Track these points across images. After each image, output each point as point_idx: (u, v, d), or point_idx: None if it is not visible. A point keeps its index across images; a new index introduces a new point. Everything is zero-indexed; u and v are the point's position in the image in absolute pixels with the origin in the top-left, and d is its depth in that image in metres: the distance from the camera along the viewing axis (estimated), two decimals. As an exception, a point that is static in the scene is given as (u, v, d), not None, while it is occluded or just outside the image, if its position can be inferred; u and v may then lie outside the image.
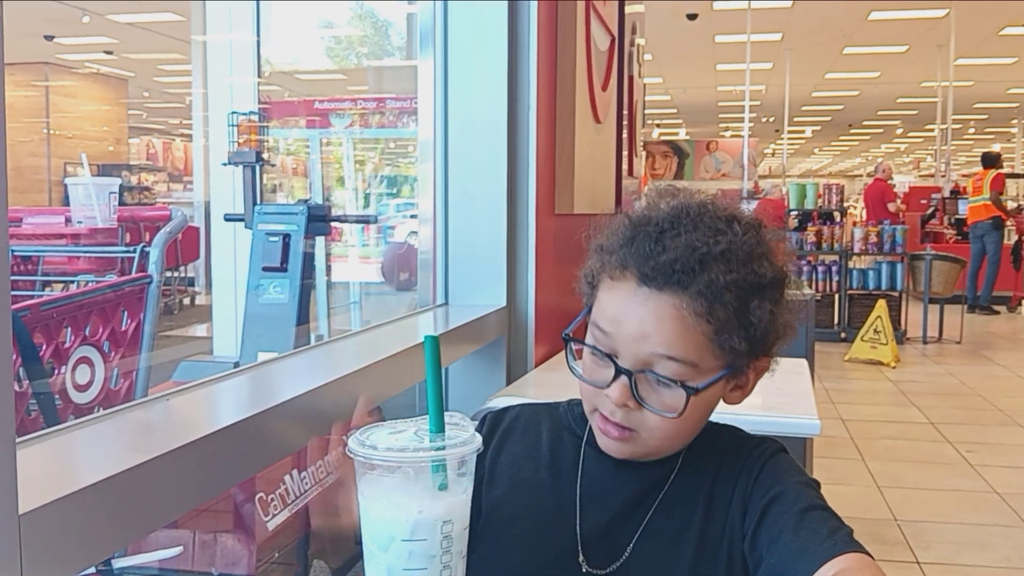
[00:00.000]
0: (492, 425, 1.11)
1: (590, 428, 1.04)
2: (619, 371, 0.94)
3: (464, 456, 0.80)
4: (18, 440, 0.96)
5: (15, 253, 2.93)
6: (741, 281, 0.93)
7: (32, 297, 2.33)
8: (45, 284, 3.07)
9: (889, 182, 12.33)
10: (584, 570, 0.99)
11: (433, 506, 0.78)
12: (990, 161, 11.12)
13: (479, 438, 0.83)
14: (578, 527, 1.00)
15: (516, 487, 1.05)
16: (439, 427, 0.82)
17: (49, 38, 13.99)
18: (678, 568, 0.97)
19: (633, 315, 0.94)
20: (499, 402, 1.68)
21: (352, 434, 0.82)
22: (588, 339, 0.99)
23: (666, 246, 0.93)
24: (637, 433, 0.96)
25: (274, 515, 2.26)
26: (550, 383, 2.20)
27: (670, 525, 0.99)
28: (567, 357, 1.02)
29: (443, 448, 0.80)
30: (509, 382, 2.32)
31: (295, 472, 2.39)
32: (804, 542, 0.88)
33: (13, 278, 3.00)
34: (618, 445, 0.98)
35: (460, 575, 0.82)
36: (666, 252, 0.92)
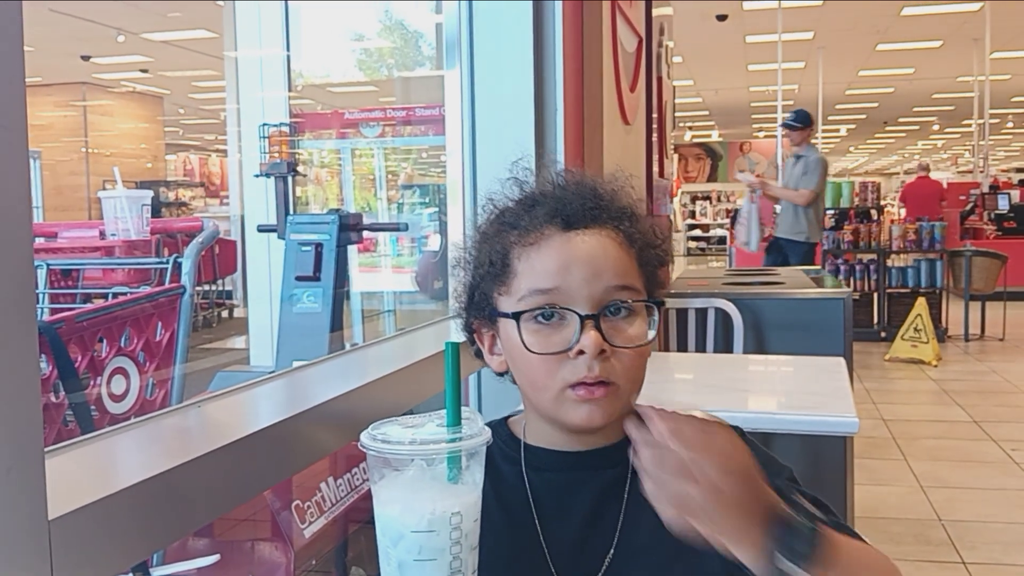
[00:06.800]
0: None
1: (526, 447, 1.00)
2: (583, 319, 0.91)
3: (475, 448, 0.81)
4: (51, 448, 0.97)
5: (52, 267, 2.97)
6: (630, 209, 0.99)
7: (72, 310, 2.36)
8: (86, 298, 3.11)
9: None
10: None
11: (444, 499, 0.79)
12: None
13: (488, 431, 0.83)
14: (547, 555, 0.96)
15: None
16: (455, 420, 0.83)
17: (85, 58, 14.25)
18: (669, 571, 0.92)
19: (578, 257, 0.93)
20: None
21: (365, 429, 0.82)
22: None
23: (567, 197, 0.97)
24: (616, 385, 0.92)
25: (311, 523, 2.27)
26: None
27: (644, 530, 0.92)
28: (518, 337, 0.93)
29: (456, 440, 0.80)
30: (542, 386, 2.31)
31: (331, 479, 2.40)
32: None
33: (54, 291, 3.06)
34: (602, 405, 0.92)
35: (471, 568, 0.81)
36: (572, 199, 0.97)
